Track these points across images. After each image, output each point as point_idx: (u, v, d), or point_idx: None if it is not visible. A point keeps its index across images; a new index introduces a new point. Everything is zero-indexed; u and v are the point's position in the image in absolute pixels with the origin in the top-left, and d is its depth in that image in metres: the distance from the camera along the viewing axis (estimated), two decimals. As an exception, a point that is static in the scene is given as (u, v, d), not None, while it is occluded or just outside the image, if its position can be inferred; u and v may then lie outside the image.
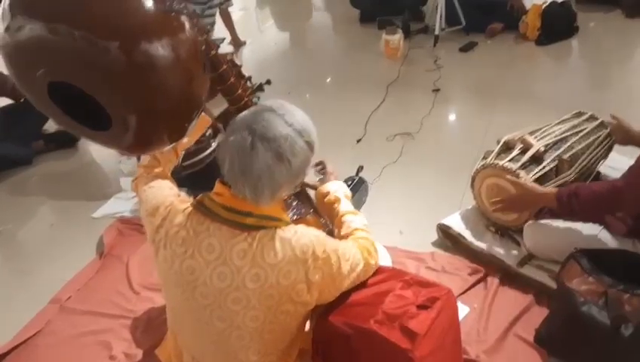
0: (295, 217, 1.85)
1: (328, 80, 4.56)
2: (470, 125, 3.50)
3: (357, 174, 2.60)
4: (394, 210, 2.70)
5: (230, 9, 4.77)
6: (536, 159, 2.23)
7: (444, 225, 2.43)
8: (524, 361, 1.88)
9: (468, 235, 2.36)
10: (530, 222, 2.19)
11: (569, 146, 2.27)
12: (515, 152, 2.25)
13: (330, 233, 1.60)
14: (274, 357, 1.44)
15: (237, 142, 1.25)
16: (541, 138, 2.31)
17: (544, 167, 2.19)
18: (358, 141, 3.37)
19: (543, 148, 2.23)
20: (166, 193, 1.50)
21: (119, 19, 1.25)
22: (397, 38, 4.49)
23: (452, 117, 3.79)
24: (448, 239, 2.43)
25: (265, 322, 1.34)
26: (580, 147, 2.28)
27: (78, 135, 1.54)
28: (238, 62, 1.84)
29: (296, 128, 1.28)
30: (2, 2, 1.29)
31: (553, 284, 2.02)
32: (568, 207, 1.86)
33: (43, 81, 1.30)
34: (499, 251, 2.26)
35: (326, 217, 1.78)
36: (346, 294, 1.45)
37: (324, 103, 3.86)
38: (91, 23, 1.22)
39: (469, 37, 4.71)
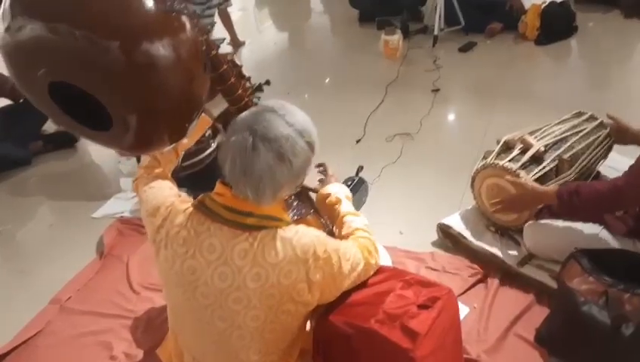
0: (296, 217, 1.85)
1: (327, 80, 4.56)
2: (469, 125, 3.50)
3: (357, 174, 2.60)
4: (394, 210, 2.71)
5: (229, 9, 4.77)
6: (537, 159, 2.23)
7: (444, 224, 2.44)
8: (525, 361, 1.88)
9: (468, 235, 2.37)
10: (530, 222, 2.19)
11: (569, 146, 2.27)
12: (515, 152, 2.25)
13: (331, 233, 1.60)
14: (275, 357, 1.44)
15: (238, 142, 1.25)
16: (541, 138, 2.31)
17: (544, 167, 2.19)
18: (358, 141, 3.38)
19: (543, 148, 2.23)
20: (166, 193, 1.50)
21: (120, 18, 1.24)
22: (396, 38, 4.49)
23: (451, 117, 3.79)
24: (448, 239, 2.43)
25: (266, 322, 1.34)
26: (580, 147, 2.28)
27: (78, 135, 1.54)
28: (238, 62, 1.84)
29: (297, 128, 1.29)
30: (3, 2, 1.29)
31: (553, 284, 2.03)
32: (569, 204, 1.86)
33: (44, 81, 1.29)
34: (499, 251, 2.27)
35: (327, 218, 1.78)
36: (346, 294, 1.45)
37: (323, 104, 3.86)
38: (92, 22, 1.21)
39: (468, 37, 4.72)
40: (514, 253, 2.25)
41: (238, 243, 1.30)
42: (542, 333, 1.90)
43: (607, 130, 2.36)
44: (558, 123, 2.46)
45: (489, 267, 2.24)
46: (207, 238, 1.32)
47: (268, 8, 6.57)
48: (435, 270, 2.28)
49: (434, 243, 2.47)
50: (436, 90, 3.89)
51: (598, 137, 2.35)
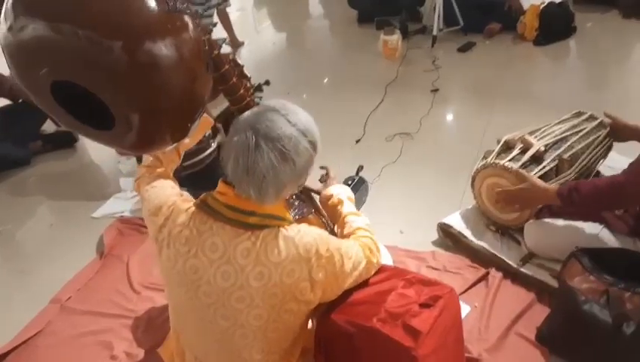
0: (297, 216, 1.85)
1: (326, 80, 4.57)
2: (469, 125, 3.51)
3: (357, 174, 2.59)
4: (394, 210, 2.71)
5: (228, 9, 4.77)
6: (537, 159, 2.23)
7: (444, 224, 2.44)
8: (526, 359, 1.88)
9: (468, 234, 2.37)
10: (530, 221, 2.20)
11: (569, 146, 2.28)
12: (516, 152, 2.26)
13: (332, 233, 1.61)
14: (277, 356, 1.45)
15: (241, 142, 1.25)
16: (541, 138, 2.32)
17: (544, 167, 2.19)
18: (357, 141, 3.38)
19: (543, 148, 2.23)
20: (168, 192, 1.50)
21: (122, 18, 1.24)
22: (395, 38, 4.50)
23: (451, 117, 3.79)
24: (449, 238, 2.43)
25: (269, 321, 1.34)
26: (579, 147, 2.29)
27: (80, 134, 1.54)
28: (239, 62, 1.84)
29: (300, 128, 1.29)
30: (5, 2, 1.29)
31: (554, 283, 2.03)
32: (569, 201, 1.87)
33: (46, 81, 1.30)
34: (499, 250, 2.27)
35: (329, 219, 1.79)
36: (348, 293, 1.45)
37: (323, 104, 3.87)
38: (95, 22, 1.22)
39: (467, 37, 4.73)
40: (514, 252, 2.25)
41: (241, 242, 1.30)
42: (543, 332, 1.90)
43: (607, 129, 2.36)
44: (558, 123, 2.46)
45: (490, 266, 2.24)
46: (210, 237, 1.33)
47: (266, 8, 6.57)
48: (435, 269, 2.28)
49: (434, 243, 2.47)
50: (435, 90, 3.90)
51: (598, 137, 2.35)
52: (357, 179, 2.51)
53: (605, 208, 2.01)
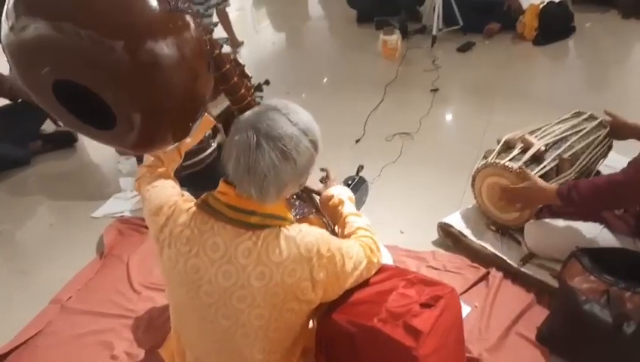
0: (298, 216, 1.85)
1: (326, 80, 4.57)
2: (468, 125, 3.51)
3: (357, 174, 2.60)
4: (394, 210, 2.71)
5: (227, 9, 4.77)
6: (537, 158, 2.23)
7: (444, 223, 2.44)
8: (526, 359, 1.88)
9: (469, 234, 2.37)
10: (531, 221, 2.20)
11: (569, 145, 2.28)
12: (516, 151, 2.26)
13: (333, 233, 1.61)
14: (278, 356, 1.44)
15: (242, 141, 1.25)
16: (541, 137, 2.32)
17: (545, 166, 2.20)
18: (357, 141, 3.38)
19: (543, 148, 2.24)
20: (169, 192, 1.50)
21: (125, 18, 1.24)
22: (395, 38, 4.50)
23: (450, 117, 3.79)
24: (449, 238, 2.43)
25: (270, 320, 1.34)
26: (580, 146, 2.29)
27: (81, 134, 1.53)
28: (241, 61, 1.84)
29: (301, 127, 1.29)
30: (6, 2, 1.29)
31: (554, 283, 2.03)
32: (568, 200, 1.87)
33: (48, 80, 1.30)
34: (500, 250, 2.27)
35: (330, 219, 1.79)
36: (349, 292, 1.45)
37: (323, 103, 3.86)
38: (97, 21, 1.22)
39: (466, 37, 4.73)
40: (515, 252, 2.25)
41: (242, 241, 1.30)
42: (543, 332, 1.91)
43: (607, 129, 2.37)
44: (558, 122, 2.46)
45: (490, 266, 2.25)
46: (211, 237, 1.33)
47: (265, 8, 6.57)
48: (436, 269, 2.28)
49: (434, 243, 2.47)
50: (435, 90, 3.90)
51: (598, 137, 2.36)
52: (357, 178, 2.52)
53: (605, 207, 2.01)
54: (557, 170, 2.23)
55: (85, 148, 3.68)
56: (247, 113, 1.32)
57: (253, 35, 5.67)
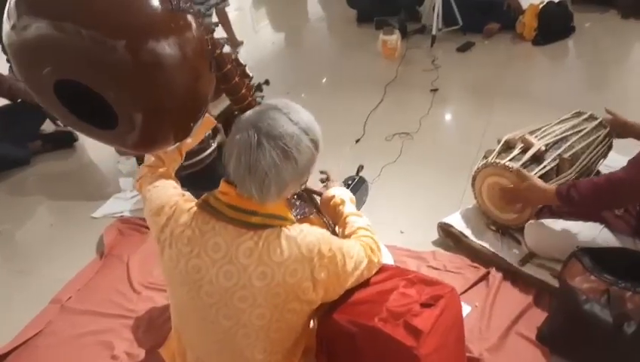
0: (299, 216, 1.85)
1: (326, 80, 4.56)
2: (468, 125, 3.51)
3: (357, 174, 2.60)
4: (394, 210, 2.71)
5: (226, 9, 4.77)
6: (537, 158, 2.24)
7: (445, 223, 2.44)
8: (527, 359, 1.88)
9: (469, 234, 2.37)
10: (531, 221, 2.20)
11: (569, 145, 2.28)
12: (516, 151, 2.26)
13: (333, 233, 1.61)
14: (279, 356, 1.45)
15: (243, 140, 1.25)
16: (541, 137, 2.32)
17: (545, 166, 2.20)
18: (357, 141, 3.38)
19: (543, 148, 2.24)
20: (170, 192, 1.50)
21: (126, 17, 1.25)
22: (394, 38, 4.50)
23: (450, 116, 3.80)
24: (449, 238, 2.43)
25: (271, 320, 1.34)
26: (580, 146, 2.29)
27: (83, 134, 1.53)
28: (241, 61, 1.84)
29: (302, 127, 1.29)
30: (8, 1, 1.29)
31: (555, 283, 2.03)
32: (568, 199, 1.87)
33: (49, 79, 1.30)
34: (500, 250, 2.27)
35: (330, 219, 1.79)
36: (350, 292, 1.45)
37: (322, 103, 3.85)
38: (98, 21, 1.22)
39: (466, 37, 4.72)
40: (515, 251, 2.26)
41: (243, 241, 1.30)
42: (543, 332, 1.91)
43: (607, 129, 2.37)
44: (558, 122, 2.46)
45: (490, 266, 2.25)
46: (212, 237, 1.33)
47: (265, 8, 6.57)
48: (436, 269, 2.28)
49: (435, 242, 2.47)
50: (435, 90, 3.90)
51: (598, 137, 2.36)
52: (357, 178, 2.52)
53: (605, 206, 2.01)
54: (557, 170, 2.23)
55: (85, 148, 3.68)
56: (248, 112, 1.32)
57: (252, 35, 5.67)
